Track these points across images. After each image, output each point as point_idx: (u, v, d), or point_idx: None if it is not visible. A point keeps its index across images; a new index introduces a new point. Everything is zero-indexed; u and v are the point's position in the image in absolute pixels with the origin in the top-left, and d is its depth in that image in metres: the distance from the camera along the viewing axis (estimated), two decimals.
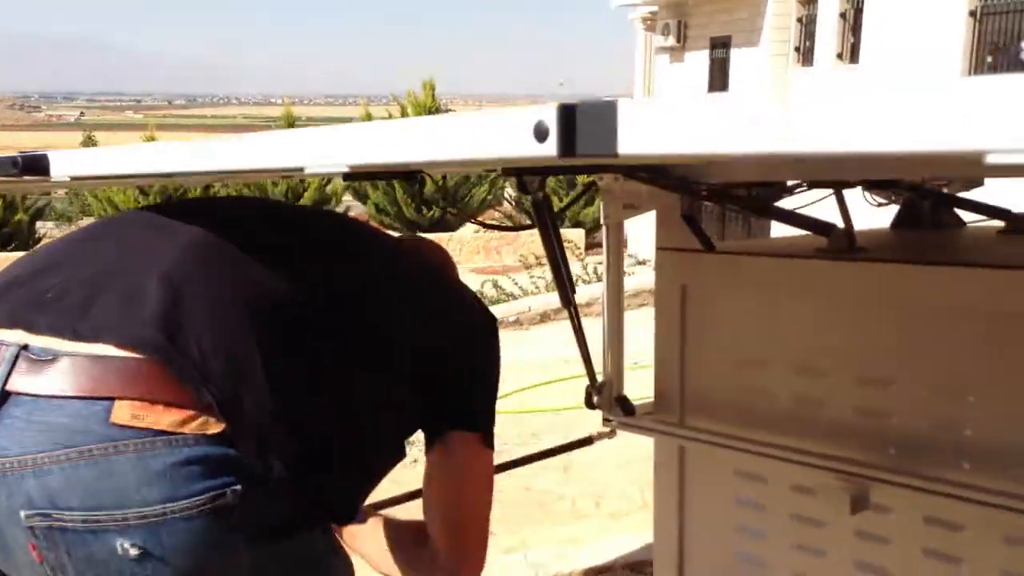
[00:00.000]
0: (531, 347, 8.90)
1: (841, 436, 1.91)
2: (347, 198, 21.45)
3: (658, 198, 2.20)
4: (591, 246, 16.33)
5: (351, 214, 20.94)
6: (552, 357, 8.28)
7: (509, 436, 6.91)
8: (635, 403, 2.33)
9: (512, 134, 0.79)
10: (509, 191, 22.25)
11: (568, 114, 0.75)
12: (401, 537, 1.51)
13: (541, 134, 0.77)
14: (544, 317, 9.69)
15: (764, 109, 0.64)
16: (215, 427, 1.12)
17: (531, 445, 6.62)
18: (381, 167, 2.21)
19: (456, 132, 0.86)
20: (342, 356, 1.29)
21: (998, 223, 2.54)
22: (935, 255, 2.12)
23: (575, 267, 11.79)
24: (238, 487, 1.12)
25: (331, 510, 1.31)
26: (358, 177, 2.26)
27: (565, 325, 2.25)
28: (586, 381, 2.30)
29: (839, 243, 2.04)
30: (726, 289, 2.16)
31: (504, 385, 6.58)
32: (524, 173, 1.88)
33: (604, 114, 0.72)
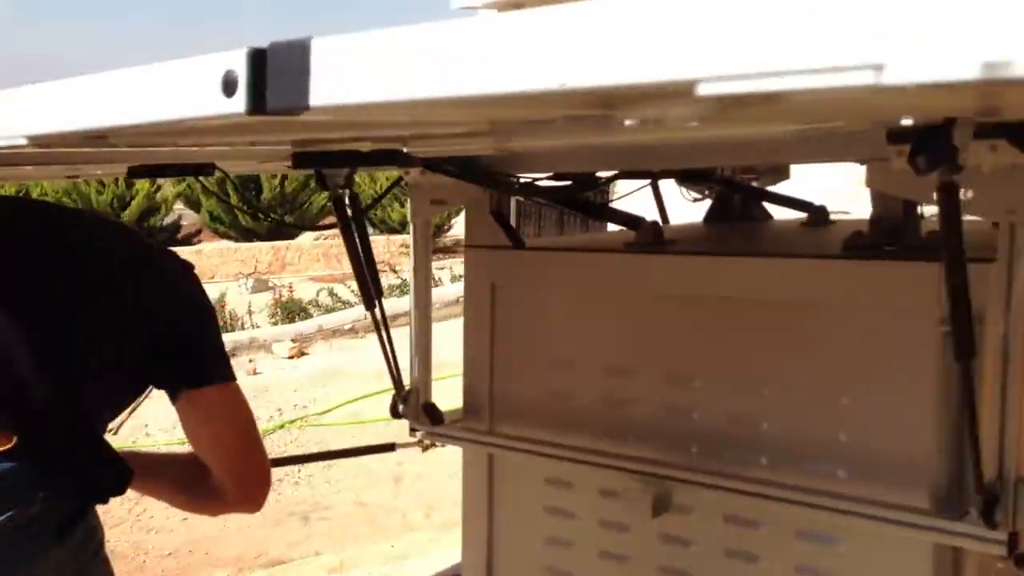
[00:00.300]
0: (366, 355, 8.67)
1: (647, 436, 1.86)
2: (178, 206, 20.44)
3: (466, 193, 2.10)
4: (432, 251, 16.19)
5: (184, 224, 20.03)
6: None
7: (341, 446, 6.69)
8: (449, 411, 2.23)
9: (198, 88, 0.65)
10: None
11: (257, 60, 0.62)
12: (183, 476, 1.52)
13: (229, 86, 0.63)
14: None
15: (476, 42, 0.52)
16: (5, 443, 1.14)
17: (364, 457, 6.43)
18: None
19: (144, 88, 0.71)
20: (123, 359, 1.35)
21: (802, 216, 2.61)
22: (737, 247, 2.12)
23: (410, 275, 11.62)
24: (41, 494, 1.17)
25: (110, 492, 1.34)
26: (143, 174, 2.04)
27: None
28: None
29: (646, 237, 2.00)
30: (535, 287, 2.09)
31: (338, 395, 6.32)
32: (323, 166, 1.73)
33: (295, 57, 0.59)
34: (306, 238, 19.11)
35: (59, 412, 1.24)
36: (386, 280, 10.68)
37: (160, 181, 19.34)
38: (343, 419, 7.11)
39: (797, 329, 1.66)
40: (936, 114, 1.13)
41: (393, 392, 2.14)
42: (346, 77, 0.57)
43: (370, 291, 1.99)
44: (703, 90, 0.39)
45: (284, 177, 18.78)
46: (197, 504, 1.57)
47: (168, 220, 19.46)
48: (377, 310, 2.12)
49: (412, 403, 2.14)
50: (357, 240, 2.05)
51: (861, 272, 1.59)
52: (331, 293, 10.62)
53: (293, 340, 9.22)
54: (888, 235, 1.67)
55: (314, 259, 17.92)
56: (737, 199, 2.78)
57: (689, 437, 1.79)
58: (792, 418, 1.66)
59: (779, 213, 2.78)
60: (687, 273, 1.85)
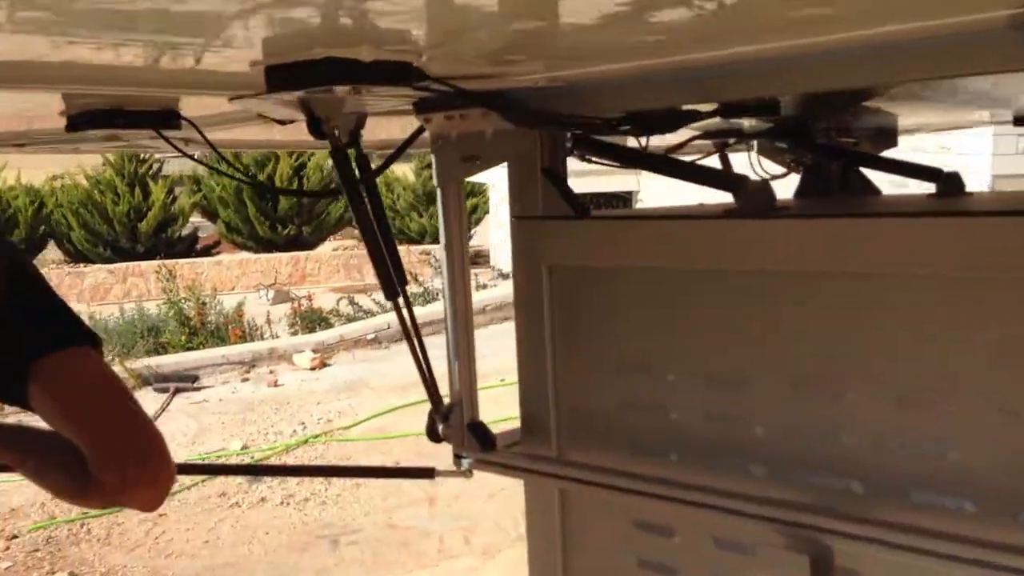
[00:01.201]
0: (391, 366, 8.17)
1: (781, 469, 1.33)
2: (196, 218, 20.07)
3: (509, 145, 1.58)
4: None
5: (201, 235, 19.65)
6: (414, 377, 7.55)
7: (368, 464, 6.20)
8: (497, 431, 1.71)
9: None
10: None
11: None
12: (69, 455, 1.27)
13: None
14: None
15: None
16: None
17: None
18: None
19: None
20: None
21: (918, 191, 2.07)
22: (881, 210, 1.59)
23: (435, 282, 11.11)
24: None
25: None
26: (85, 123, 1.56)
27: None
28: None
29: (756, 200, 1.48)
30: (607, 268, 1.56)
31: (362, 409, 5.72)
32: (303, 84, 1.21)
33: None
34: (325, 248, 18.68)
35: None
36: (410, 289, 10.19)
37: (177, 191, 18.99)
38: (369, 433, 6.61)
39: (998, 316, 1.13)
40: None
41: (429, 408, 1.62)
42: None
43: (389, 274, 1.47)
44: None
45: (301, 185, 18.37)
46: (75, 488, 1.31)
47: (186, 231, 19.12)
48: (402, 303, 1.59)
49: (455, 422, 1.62)
50: (369, 208, 1.53)
51: None
52: (352, 302, 10.14)
53: (314, 351, 8.75)
54: None
55: (334, 270, 17.49)
56: (836, 169, 2.25)
57: (848, 470, 1.26)
58: (998, 442, 1.12)
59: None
60: (828, 243, 1.31)
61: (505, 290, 9.75)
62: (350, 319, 9.76)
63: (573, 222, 1.58)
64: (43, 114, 1.66)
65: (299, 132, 2.22)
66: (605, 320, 1.56)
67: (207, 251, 18.91)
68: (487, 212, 18.22)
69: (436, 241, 16.86)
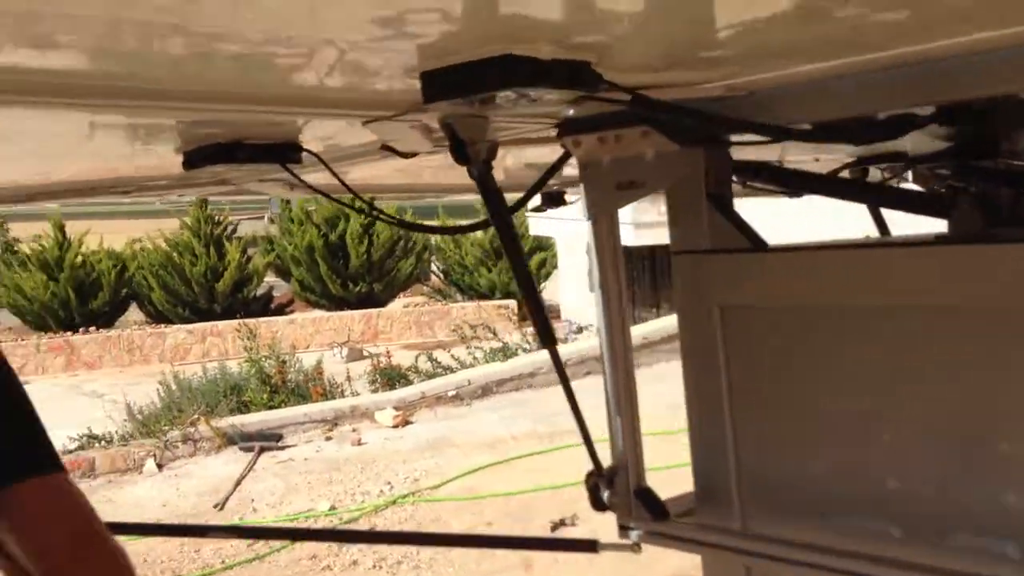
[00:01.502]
0: (475, 424, 7.96)
1: None
2: (270, 277, 20.35)
3: (671, 168, 1.38)
4: (523, 319, 15.45)
5: (275, 294, 19.87)
6: (499, 434, 7.36)
7: (459, 526, 5.97)
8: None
9: None
10: (435, 264, 21.28)
11: None
12: None
13: None
14: (486, 391, 8.75)
15: None
16: None
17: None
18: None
19: None
20: None
21: None
22: None
23: (514, 336, 10.92)
24: None
25: None
26: (202, 159, 1.43)
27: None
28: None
29: (968, 223, 1.25)
30: (792, 308, 1.34)
31: (448, 467, 5.45)
32: (467, 90, 1.03)
33: None
34: (396, 306, 18.70)
35: None
36: (488, 344, 10.01)
37: (251, 251, 19.29)
38: (458, 493, 6.38)
39: None
40: None
41: (590, 470, 1.41)
42: None
43: (546, 319, 1.28)
44: None
45: (371, 243, 18.49)
46: None
47: (260, 291, 19.37)
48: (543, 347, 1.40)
49: (620, 487, 1.41)
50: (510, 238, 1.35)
51: None
52: (430, 358, 10.00)
53: (396, 408, 8.60)
54: None
55: (405, 327, 17.46)
56: (1006, 195, 1.99)
57: None
58: None
59: None
60: None
61: (582, 344, 9.50)
62: (430, 375, 9.61)
63: (748, 255, 1.37)
64: (157, 155, 1.53)
65: (418, 171, 2.04)
66: (794, 368, 1.33)
67: (281, 310, 19.11)
68: (555, 267, 18.09)
69: (506, 296, 16.65)
